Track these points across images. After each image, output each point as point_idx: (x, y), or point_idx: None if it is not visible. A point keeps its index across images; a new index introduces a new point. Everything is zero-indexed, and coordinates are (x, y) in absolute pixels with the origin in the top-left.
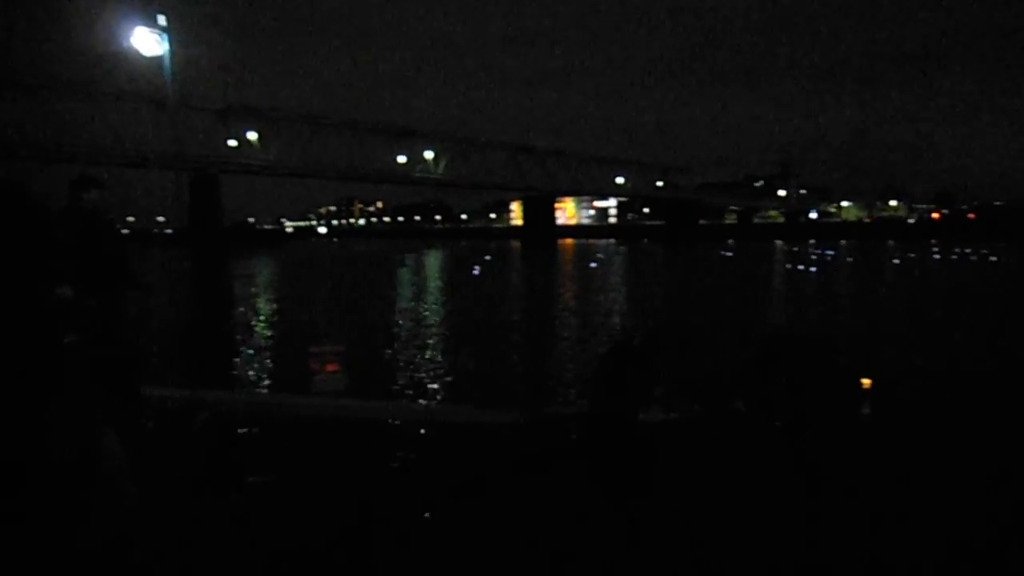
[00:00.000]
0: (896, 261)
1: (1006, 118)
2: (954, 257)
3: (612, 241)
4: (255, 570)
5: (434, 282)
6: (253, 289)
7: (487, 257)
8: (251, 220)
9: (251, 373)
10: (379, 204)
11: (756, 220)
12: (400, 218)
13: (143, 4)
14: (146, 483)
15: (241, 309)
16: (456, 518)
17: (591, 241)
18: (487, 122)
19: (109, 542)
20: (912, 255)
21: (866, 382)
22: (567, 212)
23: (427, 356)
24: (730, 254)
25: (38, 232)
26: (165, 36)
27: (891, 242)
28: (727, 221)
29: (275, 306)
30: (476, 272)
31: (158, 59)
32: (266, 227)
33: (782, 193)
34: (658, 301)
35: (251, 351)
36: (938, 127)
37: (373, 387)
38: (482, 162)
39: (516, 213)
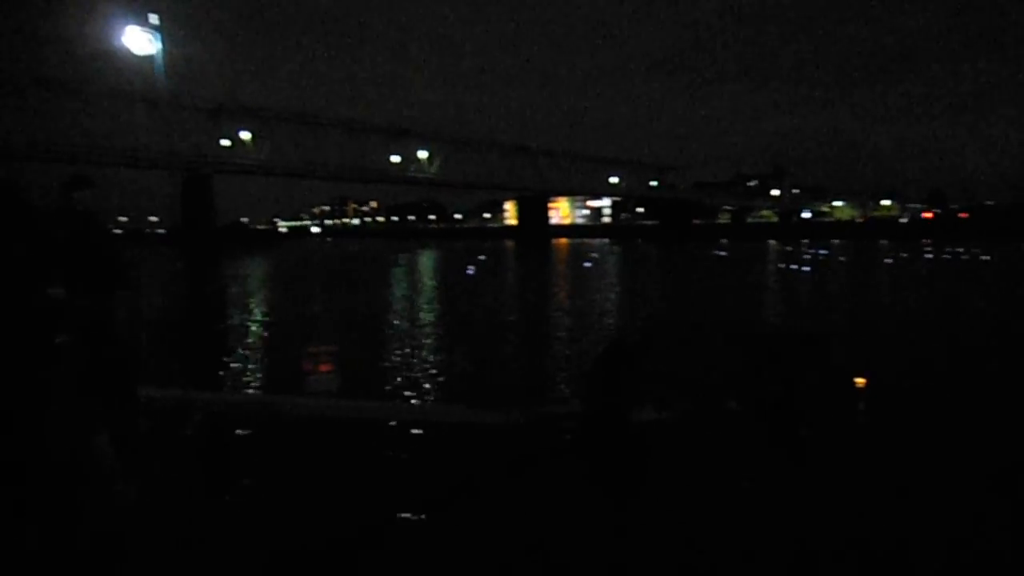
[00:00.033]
0: (889, 261)
1: (998, 118)
2: (946, 256)
3: (606, 241)
4: (248, 571)
5: (428, 282)
6: (246, 289)
7: (481, 257)
8: (244, 220)
9: (244, 373)
10: (373, 204)
11: (749, 220)
12: (394, 218)
13: (135, 2)
14: (139, 484)
15: (234, 309)
16: (450, 518)
17: (585, 241)
18: (481, 121)
19: (102, 542)
20: (905, 255)
21: (860, 381)
22: (561, 212)
23: (421, 356)
24: (724, 254)
25: (31, 232)
26: (157, 34)
27: (884, 242)
28: (721, 221)
29: (268, 306)
30: (470, 272)
31: (150, 58)
32: (259, 227)
33: (775, 193)
34: (652, 301)
35: (244, 351)
36: (930, 127)
37: (367, 387)
38: (476, 162)
39: (510, 213)
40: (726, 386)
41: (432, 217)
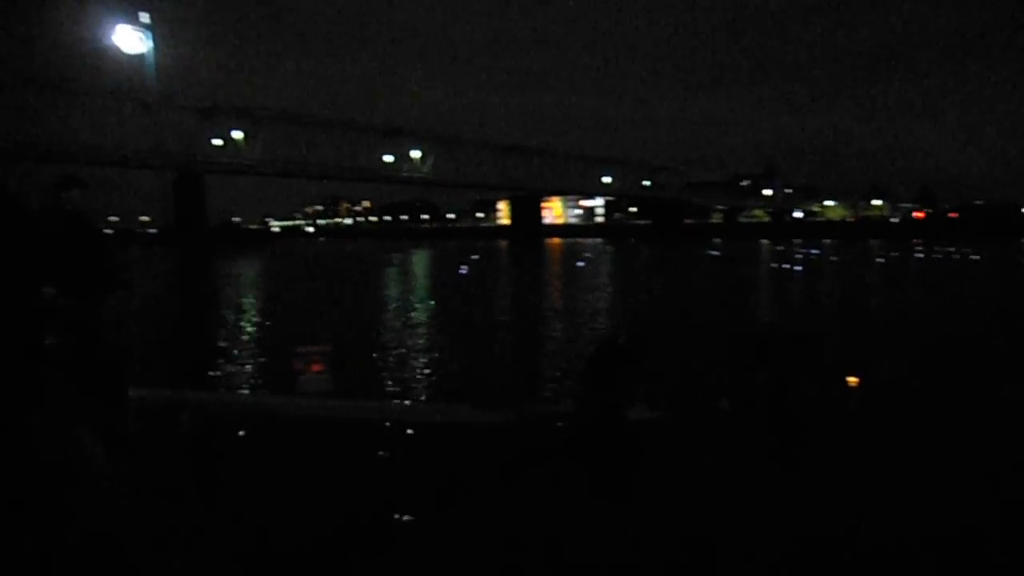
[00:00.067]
0: (880, 260)
1: (987, 119)
2: (937, 256)
3: (599, 240)
4: (240, 572)
5: (421, 281)
6: (238, 289)
7: (474, 256)
8: (237, 220)
9: (236, 373)
10: (366, 203)
11: (742, 219)
12: (387, 217)
13: (125, 1)
14: (129, 485)
15: (226, 309)
16: (445, 518)
17: (578, 240)
18: (474, 121)
19: (92, 543)
20: (895, 254)
21: (852, 380)
22: (554, 211)
23: (414, 355)
24: (716, 253)
25: (21, 231)
26: (148, 33)
27: (875, 241)
28: (713, 220)
29: (260, 306)
30: (463, 271)
31: (141, 57)
32: (251, 227)
33: (767, 192)
34: (644, 300)
35: (236, 351)
36: (920, 127)
37: (360, 387)
38: (469, 161)
39: (503, 212)
40: (718, 385)
41: (425, 217)
